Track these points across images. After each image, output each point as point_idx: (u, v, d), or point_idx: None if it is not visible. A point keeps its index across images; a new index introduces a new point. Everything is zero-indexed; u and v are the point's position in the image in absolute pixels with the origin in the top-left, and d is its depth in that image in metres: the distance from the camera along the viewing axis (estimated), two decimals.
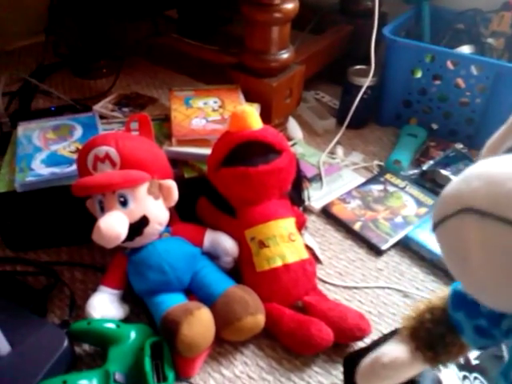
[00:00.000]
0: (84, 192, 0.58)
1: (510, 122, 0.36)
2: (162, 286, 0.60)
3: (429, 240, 0.72)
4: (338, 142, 0.96)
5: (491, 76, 0.85)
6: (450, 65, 0.90)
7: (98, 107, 0.98)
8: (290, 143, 0.94)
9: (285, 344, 0.60)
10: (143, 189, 0.59)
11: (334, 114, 1.05)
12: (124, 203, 0.58)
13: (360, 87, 0.95)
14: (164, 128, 0.81)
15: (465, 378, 0.50)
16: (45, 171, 0.68)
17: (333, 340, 0.57)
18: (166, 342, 0.55)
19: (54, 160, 0.71)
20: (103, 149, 0.58)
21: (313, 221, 0.80)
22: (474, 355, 0.53)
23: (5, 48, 1.35)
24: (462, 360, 0.52)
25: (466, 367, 0.51)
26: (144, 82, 1.20)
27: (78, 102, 1.07)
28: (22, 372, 0.52)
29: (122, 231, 0.56)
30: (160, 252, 0.61)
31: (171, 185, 0.61)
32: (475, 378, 0.51)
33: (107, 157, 0.58)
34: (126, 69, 1.18)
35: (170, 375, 0.52)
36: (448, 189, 0.35)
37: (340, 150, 0.95)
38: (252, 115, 0.63)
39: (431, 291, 0.68)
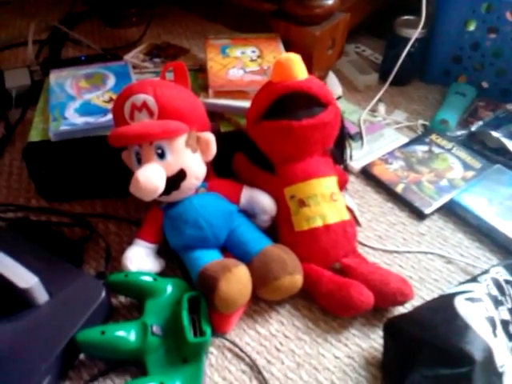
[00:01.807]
0: (121, 142, 0.56)
1: None
2: (198, 241, 0.58)
3: (475, 205, 0.68)
4: (380, 100, 0.91)
5: None
6: (509, 16, 0.82)
7: (129, 57, 0.94)
8: None
9: (322, 305, 0.58)
10: (181, 141, 0.56)
11: (375, 68, 0.99)
12: (162, 155, 0.55)
13: (407, 39, 0.88)
14: (199, 79, 0.77)
15: None
16: (79, 120, 0.66)
17: (373, 304, 0.55)
18: (204, 297, 0.54)
19: (87, 109, 0.68)
20: (141, 97, 0.55)
21: (352, 181, 0.76)
22: None
23: None
24: None
25: None
26: (175, 32, 1.15)
27: (107, 52, 1.04)
28: (59, 321, 0.52)
29: (160, 184, 0.54)
30: (197, 207, 0.59)
31: (210, 137, 0.58)
32: None
33: (145, 105, 0.55)
34: (156, 18, 1.13)
35: (208, 330, 0.51)
36: None
37: (382, 108, 0.90)
38: (297, 64, 0.58)
39: (476, 258, 0.65)
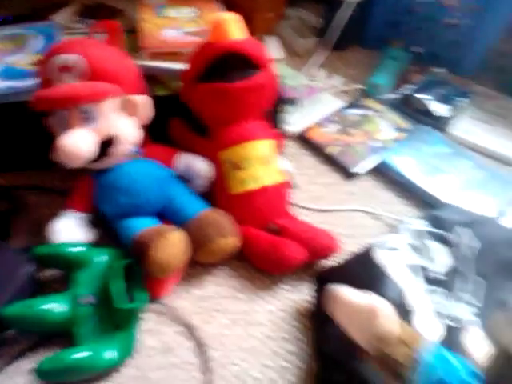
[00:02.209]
0: (45, 105, 0.53)
1: None
2: (133, 209, 0.58)
3: (403, 165, 0.72)
4: (319, 64, 0.92)
5: None
6: None
7: (58, 18, 0.88)
8: None
9: (258, 265, 0.60)
10: (113, 104, 0.55)
11: (316, 33, 0.99)
12: (89, 119, 0.54)
13: (347, 3, 0.88)
14: (132, 40, 0.74)
15: (433, 292, 0.53)
16: (0, 85, 0.62)
17: (305, 258, 0.58)
18: (138, 263, 0.54)
19: (10, 73, 0.64)
20: (69, 57, 0.52)
21: (289, 145, 0.78)
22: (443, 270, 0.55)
23: None
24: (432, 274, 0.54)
25: (436, 281, 0.53)
26: None
27: (36, 13, 0.97)
28: None
29: (88, 149, 0.53)
30: (130, 174, 0.58)
31: (145, 101, 0.57)
32: (441, 293, 0.53)
33: (73, 66, 0.52)
34: None
35: (138, 296, 0.52)
36: None
37: (321, 73, 0.91)
38: (234, 24, 0.57)
39: (402, 214, 0.69)
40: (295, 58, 0.94)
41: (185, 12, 0.74)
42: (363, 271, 0.52)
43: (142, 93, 0.59)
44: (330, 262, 0.61)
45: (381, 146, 0.76)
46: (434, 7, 0.86)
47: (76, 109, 0.53)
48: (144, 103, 0.57)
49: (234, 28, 0.59)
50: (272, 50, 0.92)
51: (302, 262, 0.58)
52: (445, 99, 0.83)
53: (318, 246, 0.59)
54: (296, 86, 0.86)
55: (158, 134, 0.65)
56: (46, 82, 0.54)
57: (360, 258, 0.55)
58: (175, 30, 0.70)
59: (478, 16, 0.83)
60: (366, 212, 0.69)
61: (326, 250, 0.59)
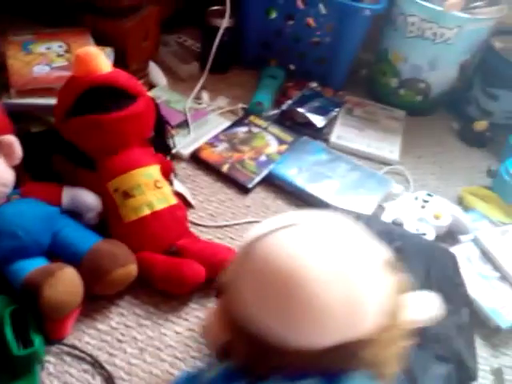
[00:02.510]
0: None
1: None
2: (18, 251, 0.55)
3: (288, 174, 0.78)
4: (203, 87, 0.95)
5: (337, 15, 0.90)
6: (300, 4, 0.93)
7: None
8: (154, 89, 0.91)
9: (160, 288, 0.60)
10: None
11: (197, 58, 1.03)
12: None
13: (218, 29, 0.93)
14: (2, 78, 0.71)
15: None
16: None
17: (205, 276, 0.60)
18: (30, 307, 0.51)
19: None
20: None
21: (183, 167, 0.80)
22: None
23: None
24: None
25: None
26: None
27: None
28: None
29: None
30: (9, 216, 0.55)
31: (11, 140, 0.55)
32: None
33: None
34: None
35: (36, 339, 0.49)
36: None
37: (205, 95, 0.94)
38: (98, 57, 0.58)
39: None
40: (179, 83, 0.97)
41: (53, 47, 0.73)
42: None
43: (9, 132, 0.57)
44: None
45: (268, 159, 0.81)
46: (300, 28, 0.95)
47: None
48: (11, 143, 0.55)
49: (98, 61, 0.59)
50: (155, 76, 0.93)
51: (201, 278, 0.59)
52: (320, 110, 0.91)
53: (217, 260, 0.60)
54: (183, 110, 0.88)
55: (39, 172, 0.63)
56: None
57: None
58: (44, 66, 0.69)
59: (335, 33, 0.93)
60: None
61: (226, 264, 0.61)
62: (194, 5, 1.04)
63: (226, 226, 0.72)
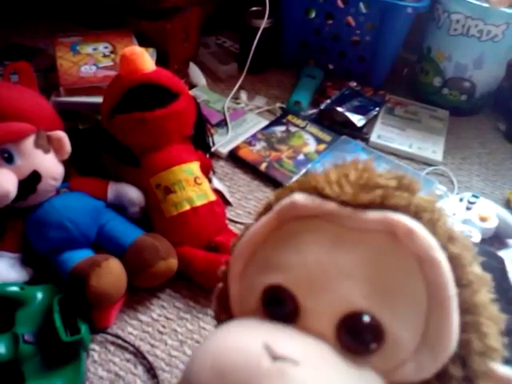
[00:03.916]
0: None
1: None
2: (66, 243, 0.57)
3: None
4: (242, 87, 0.96)
5: (378, 13, 0.89)
6: (340, 3, 0.92)
7: None
8: (194, 89, 0.92)
9: (200, 283, 0.61)
10: (29, 142, 0.55)
11: (235, 58, 1.04)
12: (9, 159, 0.53)
13: (257, 29, 0.94)
14: (51, 78, 0.74)
15: None
16: None
17: None
18: (77, 296, 0.53)
19: None
20: None
21: (221, 166, 0.81)
22: None
23: None
24: None
25: None
26: (28, 33, 1.08)
27: None
28: None
29: (11, 189, 0.52)
30: (59, 208, 0.58)
31: (61, 135, 0.57)
32: None
33: None
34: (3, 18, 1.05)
35: (83, 327, 0.51)
36: None
37: (244, 95, 0.95)
38: (142, 56, 0.60)
39: None
40: (218, 83, 0.98)
41: (100, 48, 0.76)
42: None
43: (59, 128, 0.60)
44: None
45: (306, 158, 0.81)
46: (339, 27, 0.95)
47: None
48: (60, 138, 0.58)
49: (142, 60, 0.61)
50: (194, 77, 0.95)
51: None
52: (359, 110, 0.90)
53: None
54: (222, 110, 0.89)
55: (87, 167, 0.65)
56: None
57: None
58: (91, 66, 0.72)
59: (376, 32, 0.92)
60: None
61: None
62: (232, 6, 1.05)
63: None
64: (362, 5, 0.91)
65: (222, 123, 0.87)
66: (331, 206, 0.30)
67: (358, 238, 0.30)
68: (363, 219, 0.29)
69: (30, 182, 0.55)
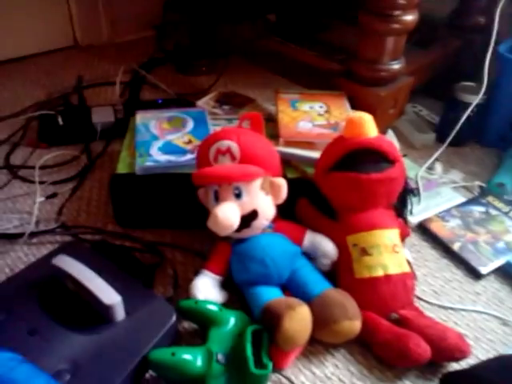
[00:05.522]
0: (204, 181, 0.62)
1: None
2: (262, 278, 0.62)
3: None
4: (437, 159, 0.94)
5: None
6: None
7: (201, 103, 1.02)
8: None
9: (378, 354, 0.60)
10: (257, 184, 0.62)
11: (432, 128, 1.03)
12: (238, 195, 0.61)
13: (466, 104, 0.92)
14: (268, 128, 0.83)
15: None
16: (162, 158, 0.73)
17: (430, 357, 0.56)
18: (269, 332, 0.57)
19: (169, 148, 0.76)
20: (226, 143, 0.62)
21: (410, 235, 0.79)
22: None
23: (115, 40, 1.47)
24: None
25: None
26: (240, 82, 1.24)
27: (180, 97, 1.14)
28: (133, 339, 0.56)
29: (236, 221, 0.59)
30: (263, 246, 0.63)
31: (282, 183, 0.63)
32: None
33: (228, 150, 0.61)
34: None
35: (269, 364, 0.54)
36: None
37: (439, 167, 0.93)
38: (369, 122, 0.64)
39: None
40: (413, 151, 0.98)
41: (315, 107, 0.83)
42: (503, 382, 0.49)
43: (280, 175, 0.66)
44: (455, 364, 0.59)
45: (507, 247, 0.74)
46: None
47: (229, 185, 0.61)
48: (281, 185, 0.63)
49: (368, 126, 0.64)
50: None
51: (426, 358, 0.56)
52: None
53: (445, 346, 0.56)
54: (415, 178, 0.88)
55: (286, 212, 0.71)
56: (205, 161, 0.64)
57: (497, 367, 0.52)
58: (308, 123, 0.78)
59: None
60: (493, 315, 0.66)
61: (456, 353, 0.56)
62: (436, 79, 1.05)
63: (450, 308, 0.67)
64: None
65: (414, 192, 0.85)
66: None
67: None
68: None
69: (249, 218, 0.61)
